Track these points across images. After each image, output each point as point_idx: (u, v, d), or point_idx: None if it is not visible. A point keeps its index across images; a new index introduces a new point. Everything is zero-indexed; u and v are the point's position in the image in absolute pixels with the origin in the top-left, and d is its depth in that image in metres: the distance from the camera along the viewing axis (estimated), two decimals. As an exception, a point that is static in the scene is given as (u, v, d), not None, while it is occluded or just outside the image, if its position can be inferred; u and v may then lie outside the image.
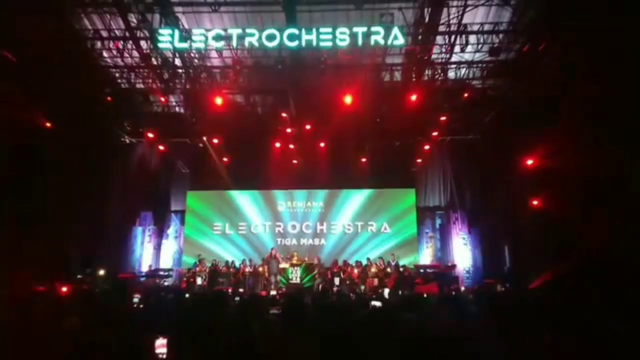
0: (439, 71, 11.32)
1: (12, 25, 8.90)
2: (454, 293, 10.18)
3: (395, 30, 9.86)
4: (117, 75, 11.73)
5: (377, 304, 10.20)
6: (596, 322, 3.80)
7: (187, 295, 8.26)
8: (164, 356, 3.20)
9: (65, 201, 11.23)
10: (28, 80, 9.69)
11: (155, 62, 11.06)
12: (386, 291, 10.91)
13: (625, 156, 7.46)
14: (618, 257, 7.16)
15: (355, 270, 12.68)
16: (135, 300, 6.68)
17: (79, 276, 11.34)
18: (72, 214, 11.86)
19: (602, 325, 3.69)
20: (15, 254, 8.98)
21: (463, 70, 11.42)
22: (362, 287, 11.96)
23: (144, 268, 13.87)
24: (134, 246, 14.18)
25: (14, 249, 9.14)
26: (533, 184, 10.85)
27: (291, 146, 14.13)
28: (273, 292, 11.08)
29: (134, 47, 10.65)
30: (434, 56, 10.94)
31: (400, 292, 11.08)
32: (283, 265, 12.62)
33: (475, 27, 10.45)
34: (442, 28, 10.19)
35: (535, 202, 10.80)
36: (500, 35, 10.44)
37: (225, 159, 14.69)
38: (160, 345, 3.20)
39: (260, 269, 12.91)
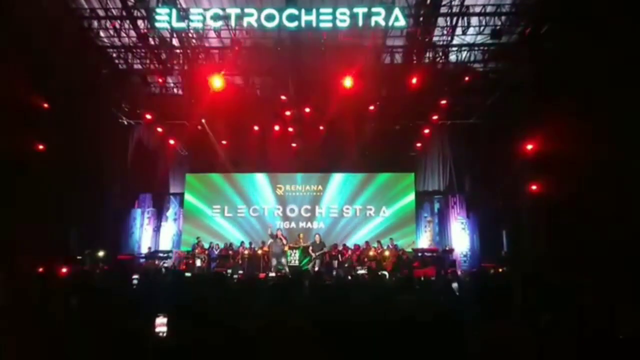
0: (440, 54, 11.20)
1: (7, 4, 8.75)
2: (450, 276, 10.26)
3: (397, 12, 9.69)
4: (114, 55, 11.59)
5: (363, 271, 10.20)
6: (591, 302, 3.84)
7: (186, 275, 8.32)
8: (164, 334, 3.22)
9: (64, 182, 11.21)
10: (25, 61, 9.58)
11: (152, 42, 10.90)
12: (384, 274, 10.99)
13: (627, 142, 7.44)
14: (616, 240, 7.20)
15: (354, 254, 12.75)
16: (135, 281, 6.72)
17: (78, 257, 11.39)
18: (71, 195, 11.86)
19: (597, 305, 3.74)
20: (14, 235, 9.01)
21: (464, 53, 11.30)
22: (361, 271, 12.02)
23: (144, 250, 13.93)
24: (133, 228, 14.22)
25: (13, 231, 9.17)
26: (533, 168, 10.85)
27: (290, 129, 14.05)
28: (272, 274, 11.17)
29: (131, 26, 10.50)
30: (435, 38, 10.80)
31: (398, 275, 11.17)
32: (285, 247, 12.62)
33: (478, 9, 10.30)
34: (443, 9, 10.03)
35: (534, 187, 10.81)
36: (503, 18, 10.30)
37: (224, 142, 14.62)
38: (160, 324, 3.21)
39: (260, 251, 12.95)
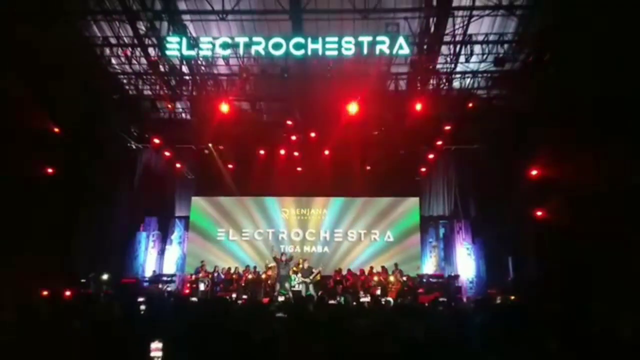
0: (444, 80, 11.35)
1: (22, 31, 9.05)
2: (452, 304, 10.12)
3: (401, 40, 9.91)
4: (124, 81, 11.87)
5: (366, 299, 10.08)
6: (598, 330, 3.79)
7: (190, 300, 8.26)
8: (159, 360, 3.21)
9: (70, 205, 11.32)
10: (37, 86, 9.83)
11: (162, 69, 11.18)
12: (388, 301, 10.83)
13: (633, 168, 7.44)
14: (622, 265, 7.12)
15: (358, 279, 12.62)
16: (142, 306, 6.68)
17: (82, 280, 11.37)
18: (76, 218, 11.95)
19: (605, 333, 3.69)
20: (19, 258, 9.04)
21: (468, 80, 11.45)
22: (365, 298, 11.84)
23: (148, 273, 13.89)
24: (137, 251, 14.21)
25: (18, 254, 9.21)
26: (538, 194, 10.81)
27: (296, 153, 14.18)
28: (280, 299, 11.04)
29: (142, 54, 10.79)
30: (438, 66, 10.98)
31: (402, 301, 11.02)
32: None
33: (480, 37, 10.49)
34: (447, 38, 10.25)
35: (539, 213, 10.75)
36: (505, 46, 10.49)
37: (230, 166, 14.77)
38: (155, 349, 3.20)
39: (264, 275, 12.86)
